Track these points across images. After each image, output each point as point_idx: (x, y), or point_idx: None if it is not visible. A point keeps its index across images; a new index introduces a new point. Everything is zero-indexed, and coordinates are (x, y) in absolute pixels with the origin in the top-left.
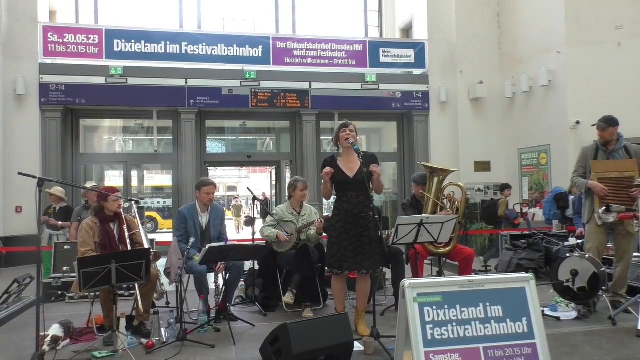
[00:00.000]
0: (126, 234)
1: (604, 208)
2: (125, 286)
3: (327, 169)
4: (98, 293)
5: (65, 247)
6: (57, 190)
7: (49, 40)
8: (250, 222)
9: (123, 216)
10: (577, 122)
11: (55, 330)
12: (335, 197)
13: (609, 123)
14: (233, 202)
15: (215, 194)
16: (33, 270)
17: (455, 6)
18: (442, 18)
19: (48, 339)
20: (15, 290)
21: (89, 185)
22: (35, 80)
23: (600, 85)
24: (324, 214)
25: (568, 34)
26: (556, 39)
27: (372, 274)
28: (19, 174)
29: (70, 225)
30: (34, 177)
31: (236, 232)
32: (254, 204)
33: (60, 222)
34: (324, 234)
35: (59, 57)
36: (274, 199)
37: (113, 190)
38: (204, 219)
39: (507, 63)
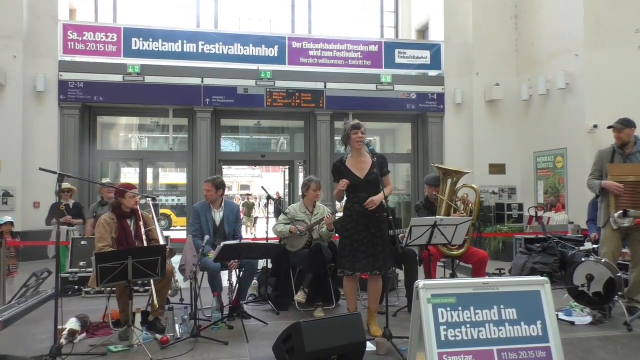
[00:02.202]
0: (142, 230)
1: (620, 212)
2: (140, 282)
3: (343, 182)
4: (114, 288)
5: (82, 242)
6: (71, 185)
7: (68, 38)
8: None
9: (139, 212)
10: (595, 126)
11: (72, 323)
12: (345, 197)
13: (625, 124)
14: (244, 200)
15: (228, 192)
16: (50, 264)
17: (472, 7)
18: (458, 19)
19: (65, 332)
20: (33, 283)
21: (103, 181)
22: (54, 77)
23: (618, 88)
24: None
25: (586, 36)
26: (574, 41)
27: (385, 275)
28: (40, 169)
29: (81, 221)
30: (54, 172)
31: (245, 233)
32: (267, 203)
33: (76, 220)
34: (336, 234)
35: (77, 55)
36: (287, 198)
37: (130, 186)
38: (217, 215)
39: (524, 65)
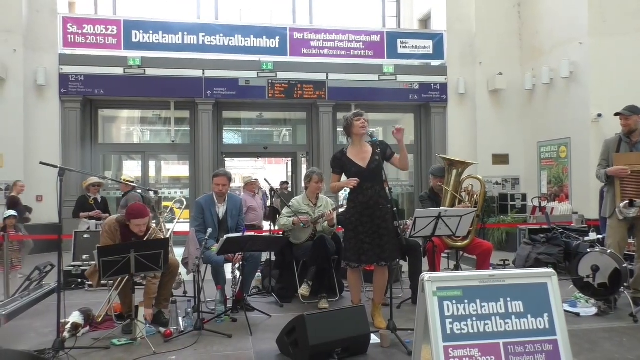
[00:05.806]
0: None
1: (626, 202)
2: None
3: (354, 181)
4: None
5: (85, 235)
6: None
7: (68, 31)
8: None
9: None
10: (599, 115)
11: (75, 317)
12: (348, 189)
13: (633, 111)
14: (278, 190)
15: (233, 185)
16: (53, 258)
17: None
18: (461, 8)
19: (68, 326)
20: (37, 277)
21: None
22: (55, 71)
23: (623, 77)
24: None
25: (591, 25)
26: (578, 29)
27: (390, 266)
28: (41, 163)
29: (108, 215)
30: (55, 166)
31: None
32: (271, 195)
33: (104, 214)
34: (339, 227)
35: (78, 48)
36: (290, 190)
37: (143, 214)
38: (220, 209)
39: (527, 54)
